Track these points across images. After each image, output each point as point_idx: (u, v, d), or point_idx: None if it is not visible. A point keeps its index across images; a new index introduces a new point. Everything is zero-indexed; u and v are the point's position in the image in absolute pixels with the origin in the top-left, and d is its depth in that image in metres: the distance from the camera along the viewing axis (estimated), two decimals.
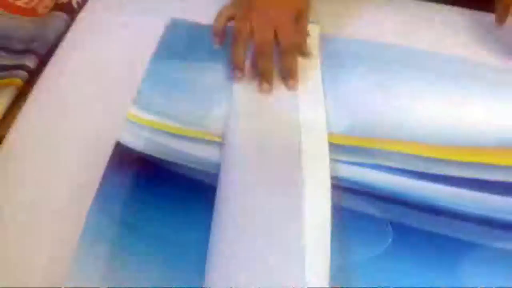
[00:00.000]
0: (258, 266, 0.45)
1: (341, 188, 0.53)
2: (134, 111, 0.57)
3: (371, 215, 0.52)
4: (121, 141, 0.54)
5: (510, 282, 0.49)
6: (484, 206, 0.53)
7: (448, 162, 0.56)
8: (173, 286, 0.46)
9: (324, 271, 0.45)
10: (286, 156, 0.53)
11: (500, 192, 0.54)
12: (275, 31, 0.58)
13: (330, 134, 0.57)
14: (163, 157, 0.54)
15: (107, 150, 0.53)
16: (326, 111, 0.58)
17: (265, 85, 0.58)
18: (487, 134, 0.58)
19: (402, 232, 0.51)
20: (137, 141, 0.55)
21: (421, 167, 0.55)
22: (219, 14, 0.62)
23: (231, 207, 0.49)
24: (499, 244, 0.51)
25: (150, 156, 0.54)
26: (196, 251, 0.47)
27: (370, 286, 0.48)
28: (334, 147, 0.55)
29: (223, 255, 0.46)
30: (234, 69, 0.59)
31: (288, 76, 0.59)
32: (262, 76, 0.58)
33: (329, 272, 0.45)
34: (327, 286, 0.44)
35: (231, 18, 0.62)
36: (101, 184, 0.51)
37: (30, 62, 0.61)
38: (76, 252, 0.47)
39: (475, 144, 0.57)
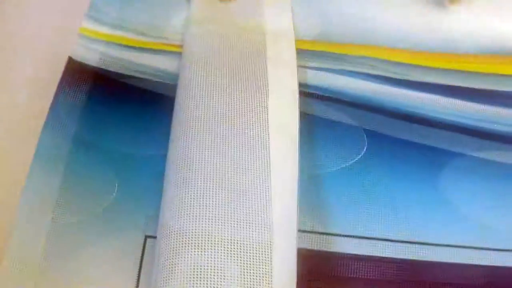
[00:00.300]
0: (220, 188, 0.42)
1: (313, 95, 0.50)
2: (86, 24, 0.53)
3: (345, 123, 0.49)
4: (74, 56, 0.51)
5: (488, 192, 0.47)
6: (463, 114, 0.51)
7: (425, 69, 0.53)
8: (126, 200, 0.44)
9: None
10: (250, 64, 0.49)
11: (481, 100, 0.52)
12: None
13: (299, 40, 0.53)
14: (119, 70, 0.51)
15: (60, 67, 0.50)
16: (296, 17, 0.55)
17: None
18: (465, 41, 0.55)
19: (377, 141, 0.49)
20: (91, 56, 0.51)
21: (397, 74, 0.52)
22: None
23: (189, 119, 0.45)
24: (478, 154, 0.49)
25: (105, 70, 0.50)
26: (152, 167, 0.46)
27: (344, 195, 0.46)
28: (304, 53, 0.52)
29: (179, 177, 0.43)
30: None
31: None
32: None
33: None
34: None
35: None
36: (54, 101, 0.48)
37: None
38: (29, 170, 0.44)
39: (453, 50, 0.55)
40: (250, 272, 0.39)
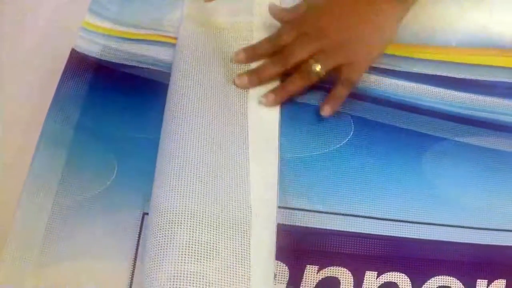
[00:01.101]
0: (204, 171, 0.45)
1: None
2: (89, 18, 0.56)
3: None
4: (78, 48, 0.53)
5: (470, 175, 0.49)
6: (447, 102, 0.53)
7: (412, 59, 0.56)
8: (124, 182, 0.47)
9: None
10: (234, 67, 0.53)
11: (464, 89, 0.54)
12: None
13: None
14: (119, 61, 0.53)
15: (64, 57, 0.52)
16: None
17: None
18: (450, 34, 0.58)
19: (363, 126, 0.51)
20: (93, 48, 0.54)
21: (384, 64, 0.55)
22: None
23: (179, 102, 0.48)
24: (460, 138, 0.51)
25: (106, 61, 0.53)
26: (149, 149, 0.48)
27: (332, 176, 0.48)
28: None
29: (171, 161, 0.45)
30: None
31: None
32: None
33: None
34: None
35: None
36: (57, 89, 0.50)
37: None
38: (34, 154, 0.47)
39: (438, 43, 0.57)
40: (230, 247, 0.42)
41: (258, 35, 0.54)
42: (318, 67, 0.49)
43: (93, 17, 0.56)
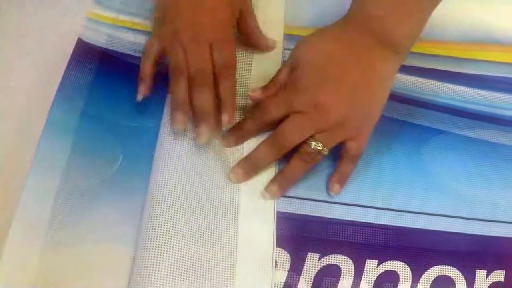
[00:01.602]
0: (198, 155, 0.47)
1: None
2: (95, 10, 0.56)
3: None
4: (84, 38, 0.54)
5: (469, 166, 0.50)
6: (446, 95, 0.54)
7: (411, 54, 0.55)
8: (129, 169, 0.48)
9: None
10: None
11: (462, 83, 0.55)
12: (210, 49, 0.47)
13: (291, 27, 0.57)
14: (123, 50, 0.54)
15: (69, 47, 0.53)
16: (290, 5, 0.58)
17: (202, 128, 0.45)
18: (451, 29, 0.58)
19: None
20: (98, 37, 0.54)
21: None
22: (145, 55, 0.49)
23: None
24: (461, 132, 0.52)
25: (111, 50, 0.54)
26: (154, 137, 0.49)
27: (329, 166, 0.49)
28: (296, 39, 0.55)
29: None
30: (174, 109, 0.46)
31: (223, 108, 0.46)
32: (197, 115, 0.46)
33: None
34: None
35: (161, 54, 0.49)
36: (63, 78, 0.51)
37: None
38: (39, 141, 0.47)
39: (437, 37, 0.58)
40: (216, 229, 0.44)
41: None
42: (320, 147, 0.45)
43: (99, 7, 0.56)
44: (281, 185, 0.46)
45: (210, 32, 0.47)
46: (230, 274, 0.43)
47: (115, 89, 0.51)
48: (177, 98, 0.46)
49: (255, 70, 0.53)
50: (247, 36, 0.53)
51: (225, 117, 0.46)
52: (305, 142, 0.45)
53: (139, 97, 0.48)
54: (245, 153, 0.48)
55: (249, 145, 0.48)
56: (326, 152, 0.45)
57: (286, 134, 0.45)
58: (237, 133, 0.48)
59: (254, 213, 0.46)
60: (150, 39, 0.50)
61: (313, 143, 0.45)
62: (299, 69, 0.46)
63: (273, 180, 0.47)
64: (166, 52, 0.48)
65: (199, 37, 0.47)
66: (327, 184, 0.48)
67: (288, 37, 0.56)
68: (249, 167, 0.47)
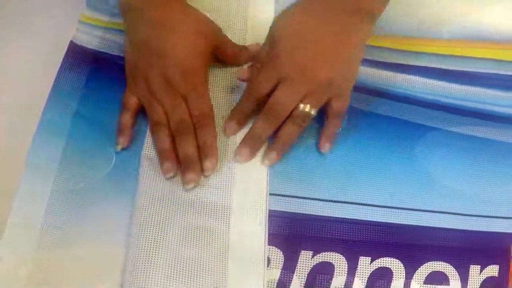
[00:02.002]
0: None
1: None
2: (88, 13, 0.57)
3: None
4: (77, 41, 0.54)
5: (462, 163, 0.50)
6: (438, 92, 0.54)
7: (404, 52, 0.57)
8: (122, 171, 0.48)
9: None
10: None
11: (454, 80, 0.55)
12: (185, 101, 0.48)
13: None
14: (116, 53, 0.54)
15: (62, 50, 0.53)
16: (278, 6, 0.58)
17: (189, 175, 0.46)
18: (441, 27, 0.59)
19: (357, 116, 0.52)
20: (91, 40, 0.55)
21: (378, 56, 0.56)
22: (124, 109, 0.50)
23: None
24: (453, 128, 0.52)
25: (104, 53, 0.54)
26: (145, 139, 0.49)
27: (326, 164, 0.49)
28: None
29: None
30: (162, 159, 0.47)
31: (205, 155, 0.47)
32: (183, 164, 0.47)
33: None
34: None
35: (138, 108, 0.50)
36: (56, 80, 0.51)
37: None
38: (32, 142, 0.48)
39: (431, 36, 0.58)
40: (208, 229, 0.44)
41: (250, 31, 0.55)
42: (308, 109, 0.47)
43: (91, 10, 0.57)
44: (278, 150, 0.48)
45: (183, 85, 0.48)
46: (223, 273, 0.43)
47: (108, 91, 0.52)
48: (162, 149, 0.47)
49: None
50: (231, 61, 0.53)
51: (207, 164, 0.47)
52: (295, 107, 0.47)
53: (118, 148, 0.48)
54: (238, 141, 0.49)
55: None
56: (314, 113, 0.48)
57: (279, 102, 0.47)
58: (238, 116, 0.50)
59: (246, 211, 0.46)
60: (126, 93, 0.50)
61: (302, 106, 0.47)
62: (280, 41, 0.48)
63: (270, 148, 0.48)
64: (145, 107, 0.49)
65: (174, 91, 0.48)
66: (317, 146, 0.50)
67: None
68: (252, 144, 0.48)
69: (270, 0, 0.58)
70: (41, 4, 0.58)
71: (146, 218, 0.44)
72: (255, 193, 0.47)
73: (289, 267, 0.44)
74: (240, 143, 0.49)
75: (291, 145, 0.49)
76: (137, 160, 0.48)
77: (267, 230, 0.45)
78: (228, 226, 0.45)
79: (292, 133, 0.48)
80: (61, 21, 0.57)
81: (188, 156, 0.47)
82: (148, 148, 0.49)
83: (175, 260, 0.42)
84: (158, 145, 0.48)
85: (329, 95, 0.48)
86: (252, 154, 0.48)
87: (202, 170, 0.47)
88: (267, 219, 0.46)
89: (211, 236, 0.44)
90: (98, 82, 0.52)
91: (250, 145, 0.48)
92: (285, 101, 0.47)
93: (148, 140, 0.49)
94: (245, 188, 0.47)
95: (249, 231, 0.45)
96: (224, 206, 0.46)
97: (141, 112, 0.50)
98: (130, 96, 0.50)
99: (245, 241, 0.44)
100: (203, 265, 0.42)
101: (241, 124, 0.50)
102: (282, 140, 0.48)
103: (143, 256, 0.42)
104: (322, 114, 0.49)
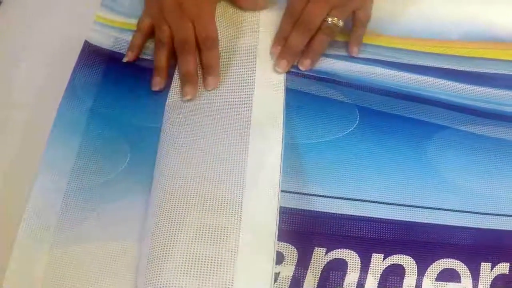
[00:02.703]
0: (202, 153, 0.47)
1: (310, 77, 0.54)
2: (102, 13, 0.57)
3: (339, 100, 0.53)
4: (91, 40, 0.55)
5: (473, 162, 0.51)
6: (450, 92, 0.55)
7: (415, 53, 0.58)
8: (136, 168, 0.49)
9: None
10: (242, 56, 0.54)
11: (465, 80, 0.56)
12: (193, 25, 0.52)
13: None
14: None
15: (77, 50, 0.54)
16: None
17: (187, 88, 0.51)
18: (451, 28, 0.59)
19: (369, 115, 0.53)
20: (105, 40, 0.55)
21: (387, 57, 0.56)
22: (137, 30, 0.55)
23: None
24: (464, 127, 0.53)
25: (118, 52, 0.55)
26: (156, 137, 0.50)
27: (336, 163, 0.49)
28: None
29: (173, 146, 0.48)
30: (154, 75, 0.52)
31: (208, 73, 0.52)
32: (183, 79, 0.51)
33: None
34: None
35: (150, 30, 0.55)
36: (71, 79, 0.52)
37: None
38: (48, 140, 0.48)
39: (441, 37, 0.59)
40: (219, 227, 0.43)
41: (263, 36, 0.56)
42: (336, 21, 0.53)
43: (106, 11, 0.57)
44: (312, 58, 0.55)
45: (194, 9, 0.53)
46: (232, 270, 0.43)
47: (122, 90, 0.52)
48: (158, 66, 0.53)
49: (259, 71, 0.54)
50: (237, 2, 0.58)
51: (209, 80, 0.51)
52: (323, 20, 0.53)
53: (125, 59, 0.54)
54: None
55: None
56: (341, 24, 0.54)
57: (310, 16, 0.53)
58: (287, 52, 0.54)
59: (257, 208, 0.46)
60: (141, 16, 0.56)
61: (330, 19, 0.53)
62: None
63: (303, 56, 0.55)
64: (155, 28, 0.54)
65: (183, 15, 0.52)
66: (348, 49, 0.57)
67: None
68: (289, 55, 0.54)
69: None
70: (56, 4, 0.59)
71: (161, 216, 0.44)
72: (267, 190, 0.47)
73: (302, 263, 0.45)
74: (277, 58, 0.54)
75: (321, 54, 0.55)
76: (151, 157, 0.48)
77: (277, 227, 0.45)
78: (240, 222, 0.45)
79: (323, 42, 0.55)
80: (75, 21, 0.57)
81: (188, 72, 0.52)
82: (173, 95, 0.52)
83: (188, 257, 0.42)
84: (156, 63, 0.53)
85: (352, 7, 0.54)
86: (289, 65, 0.54)
87: (204, 85, 0.51)
88: (278, 216, 0.46)
89: (223, 233, 0.44)
90: (113, 80, 0.53)
91: (287, 57, 0.54)
92: (315, 14, 0.53)
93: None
94: (257, 185, 0.47)
95: (260, 228, 0.45)
96: (236, 203, 0.46)
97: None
98: (144, 19, 0.55)
99: (256, 237, 0.44)
100: (215, 262, 0.43)
101: (291, 60, 0.54)
102: (313, 49, 0.54)
103: (158, 252, 0.42)
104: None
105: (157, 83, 0.52)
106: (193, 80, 0.51)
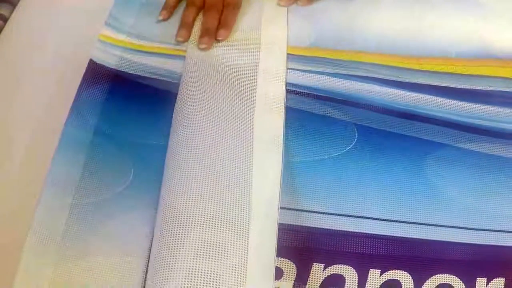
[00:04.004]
0: (210, 175, 0.48)
1: (309, 95, 0.55)
2: (106, 32, 0.59)
3: (338, 119, 0.54)
4: (96, 59, 0.56)
5: (470, 179, 0.52)
6: (448, 110, 0.56)
7: (414, 71, 0.58)
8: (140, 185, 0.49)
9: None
10: (243, 72, 0.56)
11: (464, 98, 0.57)
12: None
13: (295, 47, 0.59)
14: (135, 72, 0.56)
15: (81, 67, 0.55)
16: (293, 27, 0.60)
17: (204, 39, 0.57)
18: (448, 45, 0.61)
19: (367, 133, 0.54)
20: (110, 59, 0.57)
21: (385, 75, 0.57)
22: None
23: (185, 117, 0.51)
24: (462, 145, 0.54)
25: (122, 71, 0.56)
26: (163, 155, 0.50)
27: (335, 180, 0.50)
28: (301, 59, 0.58)
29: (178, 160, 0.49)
30: (180, 28, 0.59)
31: (222, 27, 0.59)
32: (203, 31, 0.58)
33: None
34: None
35: None
36: (76, 98, 0.53)
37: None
38: (53, 157, 0.49)
39: (437, 54, 0.60)
40: (229, 245, 0.44)
41: (264, 55, 0.57)
42: None
43: (110, 30, 0.59)
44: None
45: None
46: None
47: (127, 108, 0.53)
48: (185, 21, 0.60)
49: (260, 89, 0.55)
50: None
51: (222, 31, 0.58)
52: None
53: (159, 18, 0.61)
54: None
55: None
56: None
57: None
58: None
59: (261, 226, 0.47)
60: None
61: None
62: None
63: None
64: None
65: None
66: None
67: (291, 56, 0.58)
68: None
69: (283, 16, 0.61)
70: (61, 23, 0.61)
71: (166, 232, 0.45)
72: (268, 207, 0.48)
73: (301, 279, 0.46)
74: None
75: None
76: (154, 174, 0.49)
77: (276, 243, 0.46)
78: (247, 240, 0.45)
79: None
80: (80, 40, 0.59)
81: (208, 27, 0.58)
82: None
83: (192, 272, 0.43)
84: (183, 18, 0.60)
85: None
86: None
87: (216, 36, 0.58)
88: (277, 232, 0.46)
89: (228, 251, 0.45)
90: (118, 99, 0.54)
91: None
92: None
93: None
94: (260, 203, 0.48)
95: (262, 244, 0.46)
96: (243, 221, 0.46)
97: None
98: None
99: (258, 253, 0.46)
100: (220, 277, 0.44)
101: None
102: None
103: (162, 267, 0.43)
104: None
105: (182, 35, 0.58)
106: (210, 33, 0.58)
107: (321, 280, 0.46)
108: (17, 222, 0.47)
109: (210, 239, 0.44)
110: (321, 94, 0.56)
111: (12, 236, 0.47)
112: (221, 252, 0.44)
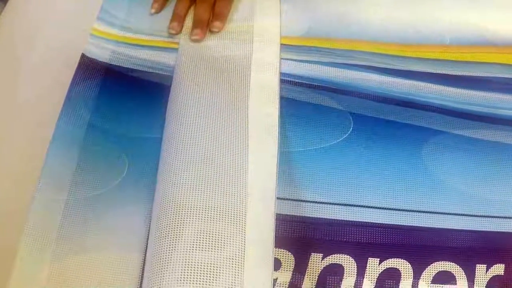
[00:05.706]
0: (206, 166, 0.47)
1: (303, 84, 0.55)
2: (98, 26, 0.58)
3: (333, 107, 0.54)
4: (88, 54, 0.56)
5: (469, 165, 0.52)
6: (445, 97, 0.56)
7: (408, 58, 0.58)
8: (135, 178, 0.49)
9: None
10: (236, 63, 0.55)
11: (460, 85, 0.57)
12: None
13: (289, 37, 0.58)
14: (127, 65, 0.56)
15: (74, 62, 0.55)
16: (285, 16, 0.60)
17: (196, 30, 0.57)
18: (442, 32, 0.60)
19: (363, 122, 0.53)
20: (102, 53, 0.56)
21: (381, 63, 0.57)
22: None
23: (180, 108, 0.51)
24: (459, 132, 0.53)
25: (115, 65, 0.56)
26: (157, 148, 0.50)
27: (331, 169, 0.50)
28: (295, 48, 0.58)
29: (172, 154, 0.48)
30: (172, 21, 0.58)
31: (216, 19, 0.58)
32: (195, 23, 0.58)
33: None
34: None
35: None
36: (69, 92, 0.53)
37: None
38: (47, 152, 0.49)
39: (432, 42, 0.59)
40: (226, 236, 0.44)
41: (258, 38, 0.57)
42: None
43: (102, 24, 0.58)
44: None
45: None
46: (239, 275, 0.43)
47: (120, 102, 0.53)
48: (177, 13, 0.59)
49: (254, 80, 0.54)
50: None
51: (216, 23, 0.58)
52: None
53: (154, 8, 0.60)
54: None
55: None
56: None
57: None
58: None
59: (258, 217, 0.46)
60: None
61: None
62: None
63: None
64: None
65: None
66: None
67: (284, 46, 0.57)
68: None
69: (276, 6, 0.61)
70: (53, 17, 0.60)
71: (162, 224, 0.44)
72: (265, 198, 0.47)
73: (299, 269, 0.45)
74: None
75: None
76: (149, 167, 0.49)
77: (274, 234, 0.46)
78: (244, 232, 0.45)
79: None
80: (72, 34, 0.58)
81: (200, 19, 0.58)
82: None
83: (189, 263, 0.42)
84: (175, 10, 0.59)
85: None
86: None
87: (210, 27, 0.58)
88: (275, 223, 0.46)
89: (225, 242, 0.44)
90: (111, 94, 0.53)
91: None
92: None
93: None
94: (257, 193, 0.47)
95: (260, 235, 0.46)
96: (240, 212, 0.46)
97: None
98: None
99: (256, 244, 0.45)
100: (217, 268, 0.43)
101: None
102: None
103: (158, 260, 0.43)
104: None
105: (175, 27, 0.58)
106: (203, 26, 0.57)
107: (319, 270, 0.45)
108: (12, 218, 0.47)
109: (207, 230, 0.44)
110: (316, 84, 0.55)
111: (7, 233, 0.47)
112: (218, 244, 0.43)
